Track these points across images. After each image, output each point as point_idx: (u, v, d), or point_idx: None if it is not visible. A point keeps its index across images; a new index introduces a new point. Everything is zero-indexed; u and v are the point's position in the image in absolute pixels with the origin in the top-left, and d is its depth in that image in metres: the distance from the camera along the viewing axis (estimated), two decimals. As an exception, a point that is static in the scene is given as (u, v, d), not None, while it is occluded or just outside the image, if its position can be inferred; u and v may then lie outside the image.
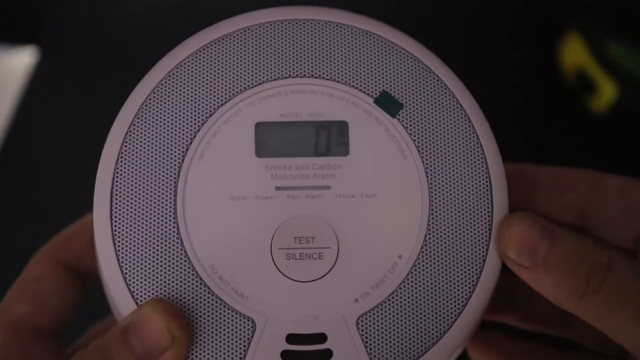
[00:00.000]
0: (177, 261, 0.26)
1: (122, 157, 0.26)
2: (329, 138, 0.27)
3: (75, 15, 0.56)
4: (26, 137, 0.52)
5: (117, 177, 0.26)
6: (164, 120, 0.27)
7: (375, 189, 0.27)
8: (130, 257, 0.26)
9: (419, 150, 0.27)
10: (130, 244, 0.26)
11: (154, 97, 0.27)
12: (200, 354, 0.25)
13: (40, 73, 0.54)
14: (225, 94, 0.27)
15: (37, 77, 0.54)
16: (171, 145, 0.27)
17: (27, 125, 0.52)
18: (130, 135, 0.27)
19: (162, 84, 0.27)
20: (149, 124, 0.27)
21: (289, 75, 0.28)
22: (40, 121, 0.52)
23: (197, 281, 0.26)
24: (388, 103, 0.27)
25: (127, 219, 0.26)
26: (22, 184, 0.50)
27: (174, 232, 0.26)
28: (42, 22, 0.56)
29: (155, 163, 0.27)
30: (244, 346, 0.26)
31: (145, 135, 0.27)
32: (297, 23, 0.28)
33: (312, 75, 0.28)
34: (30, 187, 0.50)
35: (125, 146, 0.27)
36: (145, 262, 0.26)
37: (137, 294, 0.26)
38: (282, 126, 0.27)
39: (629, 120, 0.52)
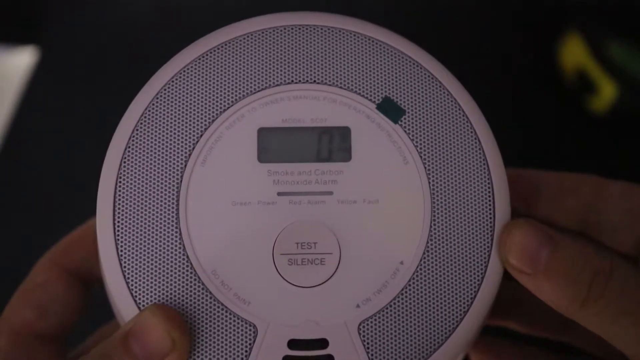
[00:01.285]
0: (179, 266, 0.26)
1: (124, 163, 0.26)
2: (331, 144, 0.27)
3: (76, 15, 0.56)
4: (26, 137, 0.51)
5: (119, 182, 0.26)
6: (167, 126, 0.27)
7: (377, 195, 0.26)
8: (132, 263, 0.26)
9: (421, 157, 0.27)
10: (132, 249, 0.26)
11: (156, 102, 0.27)
12: (202, 359, 0.25)
13: (40, 73, 0.54)
14: (228, 99, 0.27)
15: (37, 77, 0.54)
16: (174, 151, 0.27)
17: (27, 125, 0.52)
18: (133, 141, 0.27)
19: (164, 90, 0.27)
20: (152, 130, 0.27)
21: (292, 80, 0.27)
22: (40, 121, 0.52)
23: (199, 286, 0.26)
24: (390, 109, 0.27)
25: (129, 224, 0.26)
26: (22, 185, 0.50)
27: (176, 237, 0.26)
28: (42, 22, 0.56)
29: (158, 169, 0.27)
30: (246, 351, 0.25)
31: (147, 140, 0.27)
32: (300, 29, 0.28)
33: (314, 80, 0.27)
34: (31, 188, 0.50)
35: (128, 152, 0.27)
36: (148, 267, 0.26)
37: (140, 299, 0.26)
38: (285, 132, 0.27)
39: (629, 120, 0.52)
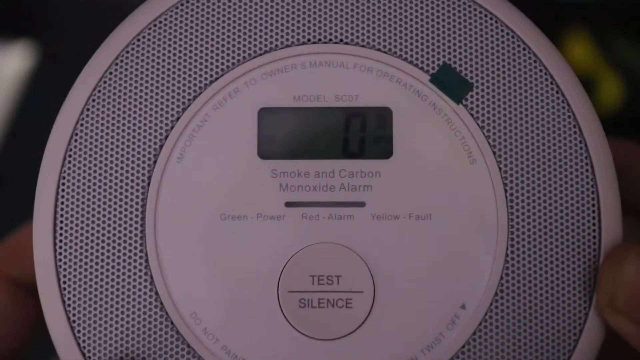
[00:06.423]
0: (144, 307, 0.20)
1: (69, 162, 0.20)
2: (364, 132, 0.21)
3: (76, 10, 0.55)
4: (26, 137, 0.51)
5: (62, 189, 0.20)
6: (128, 106, 0.21)
7: (429, 208, 0.20)
8: (79, 303, 0.20)
9: (494, 152, 0.20)
10: (79, 284, 0.20)
11: (114, 73, 0.21)
12: None
13: (40, 70, 0.54)
14: (216, 66, 0.21)
15: (38, 74, 0.54)
16: (138, 142, 0.21)
17: (27, 125, 0.52)
18: (80, 129, 0.21)
19: (125, 54, 0.21)
20: (107, 112, 0.21)
21: (308, 39, 0.21)
22: (40, 120, 0.51)
23: (172, 335, 0.20)
24: (451, 82, 0.21)
25: (75, 249, 0.20)
26: (22, 185, 0.46)
27: (140, 266, 0.20)
28: (42, 18, 0.56)
29: (116, 168, 0.20)
30: None
31: (101, 128, 0.21)
32: None
33: (341, 39, 0.21)
34: (31, 188, 0.48)
35: (74, 144, 0.20)
36: (101, 308, 0.20)
37: (90, 351, 0.20)
38: (297, 114, 0.21)
39: (635, 121, 0.50)
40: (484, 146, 0.20)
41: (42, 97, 0.52)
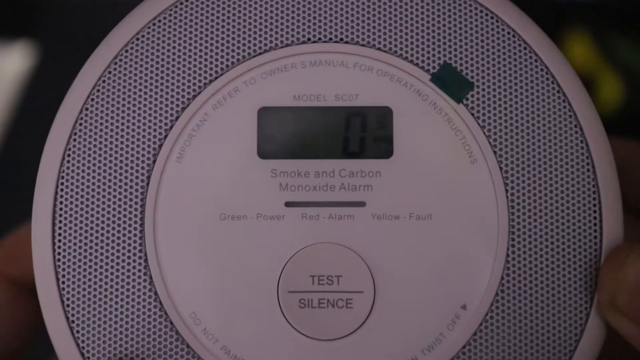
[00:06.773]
0: (144, 307, 0.20)
1: (68, 161, 0.20)
2: (365, 132, 0.21)
3: (76, 10, 0.55)
4: (26, 137, 0.49)
5: (61, 189, 0.20)
6: (127, 105, 0.20)
7: (429, 208, 0.20)
8: (78, 302, 0.20)
9: (495, 152, 0.20)
10: (78, 284, 0.20)
11: (114, 72, 0.20)
12: None
13: (40, 70, 0.54)
14: (216, 65, 0.21)
15: (38, 74, 0.54)
16: (137, 141, 0.20)
17: (27, 125, 0.50)
18: (79, 128, 0.20)
19: (125, 53, 0.21)
20: (106, 111, 0.20)
21: (308, 38, 0.21)
22: (40, 120, 0.50)
23: (172, 336, 0.20)
24: (452, 81, 0.20)
25: (74, 249, 0.20)
26: (22, 185, 0.47)
27: (139, 266, 0.20)
28: (42, 18, 0.56)
29: (115, 168, 0.20)
30: None
31: (100, 127, 0.20)
32: None
33: (341, 39, 0.21)
34: (31, 188, 0.48)
35: (73, 144, 0.20)
36: (100, 308, 0.20)
37: (89, 351, 0.20)
38: (297, 113, 0.21)
39: (636, 121, 0.50)
40: (485, 146, 0.20)
41: (42, 97, 0.50)
